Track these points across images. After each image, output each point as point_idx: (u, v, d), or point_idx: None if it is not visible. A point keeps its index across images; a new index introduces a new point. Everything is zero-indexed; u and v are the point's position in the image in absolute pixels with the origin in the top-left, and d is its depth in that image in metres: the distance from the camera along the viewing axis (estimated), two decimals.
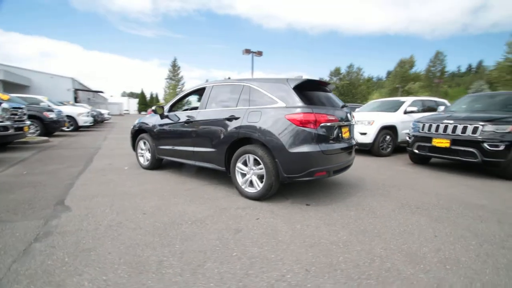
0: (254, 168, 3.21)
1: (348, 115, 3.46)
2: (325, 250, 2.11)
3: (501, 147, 4.18)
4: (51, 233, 2.29)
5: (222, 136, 3.45)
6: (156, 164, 4.77)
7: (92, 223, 2.51)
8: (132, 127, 5.26)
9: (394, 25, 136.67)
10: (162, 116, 4.44)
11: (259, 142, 3.14)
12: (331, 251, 2.10)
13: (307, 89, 3.20)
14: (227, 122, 3.43)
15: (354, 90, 58.06)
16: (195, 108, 5.05)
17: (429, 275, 1.82)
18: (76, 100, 29.59)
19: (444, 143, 4.77)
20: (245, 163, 3.31)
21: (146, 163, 4.85)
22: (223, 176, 4.33)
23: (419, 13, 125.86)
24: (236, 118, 3.33)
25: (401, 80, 54.58)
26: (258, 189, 3.16)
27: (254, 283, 1.67)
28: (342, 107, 3.44)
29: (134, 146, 5.13)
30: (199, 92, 4.24)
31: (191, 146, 3.91)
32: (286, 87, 3.12)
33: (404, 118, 7.15)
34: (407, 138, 5.70)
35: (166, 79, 52.49)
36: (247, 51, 21.50)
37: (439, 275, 1.81)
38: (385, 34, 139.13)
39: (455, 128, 4.68)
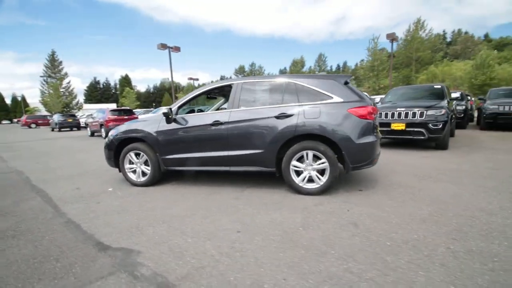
0: (313, 164, 3.23)
1: None
2: (435, 222, 2.45)
3: (440, 126, 5.69)
4: (173, 286, 1.69)
5: (272, 135, 3.27)
6: (158, 178, 3.98)
7: (205, 258, 1.99)
8: (108, 138, 4.16)
9: (280, 29, 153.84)
10: (169, 120, 3.72)
11: (320, 137, 3.18)
12: (439, 221, 2.46)
13: (346, 84, 3.45)
14: (276, 120, 3.27)
15: None
16: (192, 111, 4.50)
17: (510, 220, 2.44)
18: None
19: (400, 126, 6.04)
20: (299, 160, 3.28)
21: (143, 178, 3.96)
22: (247, 177, 4.07)
23: (298, 19, 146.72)
24: (288, 116, 3.23)
25: None
26: (321, 183, 3.21)
27: (442, 259, 1.83)
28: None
29: (118, 161, 4.08)
30: (220, 90, 3.80)
31: (224, 150, 3.49)
32: (338, 83, 3.28)
33: None
34: None
35: (43, 76, 41.24)
36: (163, 46, 19.70)
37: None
38: (273, 37, 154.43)
39: (407, 114, 6.01)
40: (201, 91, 3.86)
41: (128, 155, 3.98)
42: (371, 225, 2.42)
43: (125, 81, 68.61)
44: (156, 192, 3.72)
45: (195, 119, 3.69)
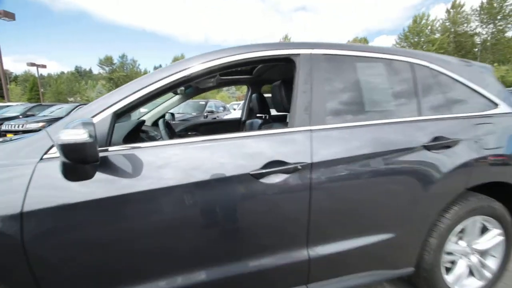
0: (477, 241, 1.56)
1: None
2: None
3: None
4: None
5: (420, 192, 1.33)
6: None
7: None
8: None
9: (151, 23, 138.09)
10: (85, 169, 0.98)
11: (498, 188, 1.54)
12: None
13: None
14: (427, 153, 1.35)
15: None
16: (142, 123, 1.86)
17: None
18: None
19: None
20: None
21: None
22: None
23: (174, 18, 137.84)
24: (451, 144, 1.40)
25: None
26: (490, 277, 1.59)
27: None
28: None
29: None
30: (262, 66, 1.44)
31: (300, 243, 1.21)
32: (492, 75, 1.74)
33: None
34: None
35: None
36: None
37: None
38: (143, 30, 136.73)
39: None
40: (205, 64, 1.23)
41: None
42: None
43: None
44: None
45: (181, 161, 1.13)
